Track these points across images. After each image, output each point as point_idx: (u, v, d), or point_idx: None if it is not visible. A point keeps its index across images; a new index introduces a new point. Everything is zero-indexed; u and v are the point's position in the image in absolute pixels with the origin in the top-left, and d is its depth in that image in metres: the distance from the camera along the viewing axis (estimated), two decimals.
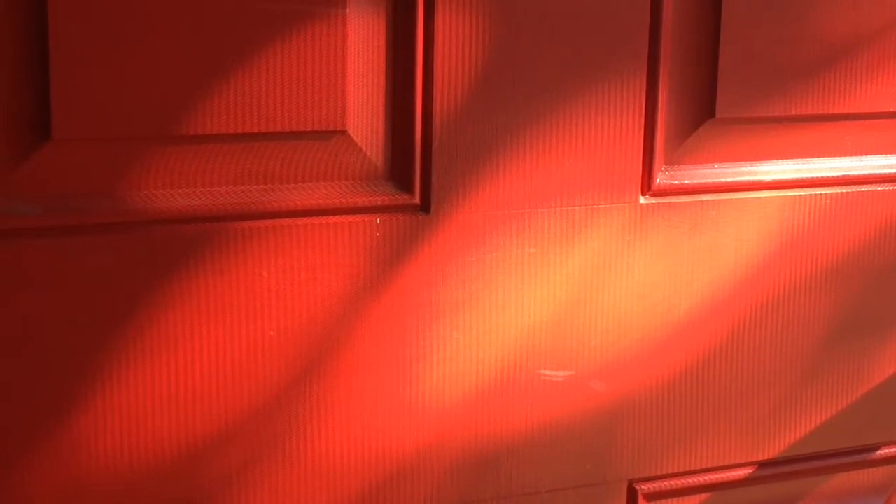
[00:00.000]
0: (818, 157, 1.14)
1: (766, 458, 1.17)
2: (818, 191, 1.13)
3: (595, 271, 1.06)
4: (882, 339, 1.19)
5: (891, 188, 1.16)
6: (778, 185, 1.12)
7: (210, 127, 0.92)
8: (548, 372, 1.06)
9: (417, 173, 0.99)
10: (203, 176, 0.93)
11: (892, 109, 1.15)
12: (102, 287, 0.91)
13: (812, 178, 1.13)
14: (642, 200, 1.07)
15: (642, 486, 1.13)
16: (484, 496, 1.06)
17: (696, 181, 1.09)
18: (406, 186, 0.99)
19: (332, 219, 0.97)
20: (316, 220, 0.96)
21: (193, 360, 0.94)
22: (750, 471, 1.17)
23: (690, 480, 1.15)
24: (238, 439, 0.97)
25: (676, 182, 1.08)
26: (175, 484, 0.96)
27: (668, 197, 1.08)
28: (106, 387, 0.93)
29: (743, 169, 1.11)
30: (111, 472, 0.94)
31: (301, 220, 0.96)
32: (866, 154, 1.16)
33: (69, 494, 0.93)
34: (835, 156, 1.15)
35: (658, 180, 1.07)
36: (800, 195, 1.13)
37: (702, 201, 1.09)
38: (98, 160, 0.90)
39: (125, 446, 0.94)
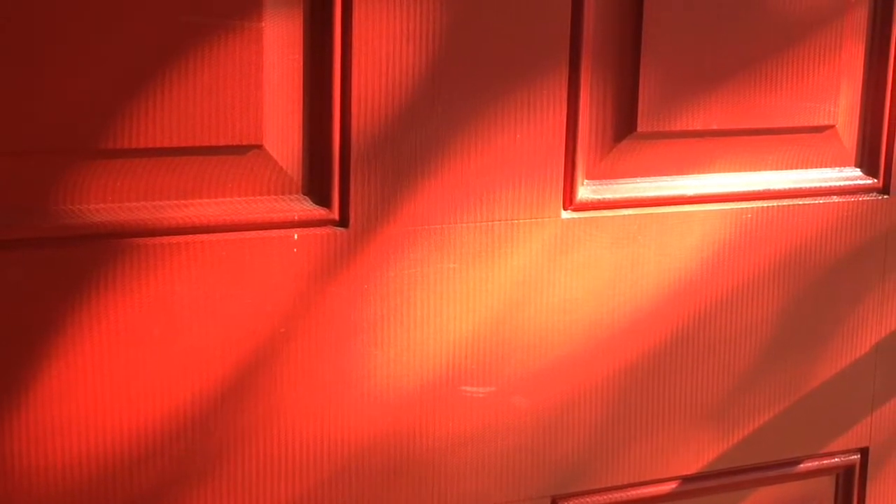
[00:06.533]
0: (739, 171, 1.14)
1: (689, 473, 1.17)
2: (740, 205, 1.14)
3: (517, 286, 1.05)
4: (802, 353, 1.19)
5: (812, 202, 1.17)
6: (700, 200, 1.12)
7: (123, 141, 0.91)
8: (469, 388, 1.05)
9: (335, 188, 0.98)
10: (116, 192, 0.92)
11: (812, 124, 1.15)
12: (14, 303, 0.90)
13: (733, 192, 1.14)
14: (564, 215, 1.06)
15: (565, 503, 1.12)
16: None
17: (617, 196, 1.09)
18: (324, 201, 0.98)
19: (248, 234, 0.96)
20: (232, 236, 0.95)
21: (106, 378, 0.93)
22: (673, 486, 1.17)
23: (614, 496, 1.14)
24: (154, 459, 0.95)
25: (598, 197, 1.08)
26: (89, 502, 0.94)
27: (590, 212, 1.08)
28: (19, 403, 0.91)
29: (664, 183, 1.11)
30: (26, 491, 0.92)
31: (216, 236, 0.95)
32: (787, 168, 1.16)
33: None
34: (756, 170, 1.15)
35: (580, 195, 1.07)
36: (721, 209, 1.13)
37: (624, 216, 1.09)
38: (9, 175, 0.89)
39: (39, 465, 0.92)
